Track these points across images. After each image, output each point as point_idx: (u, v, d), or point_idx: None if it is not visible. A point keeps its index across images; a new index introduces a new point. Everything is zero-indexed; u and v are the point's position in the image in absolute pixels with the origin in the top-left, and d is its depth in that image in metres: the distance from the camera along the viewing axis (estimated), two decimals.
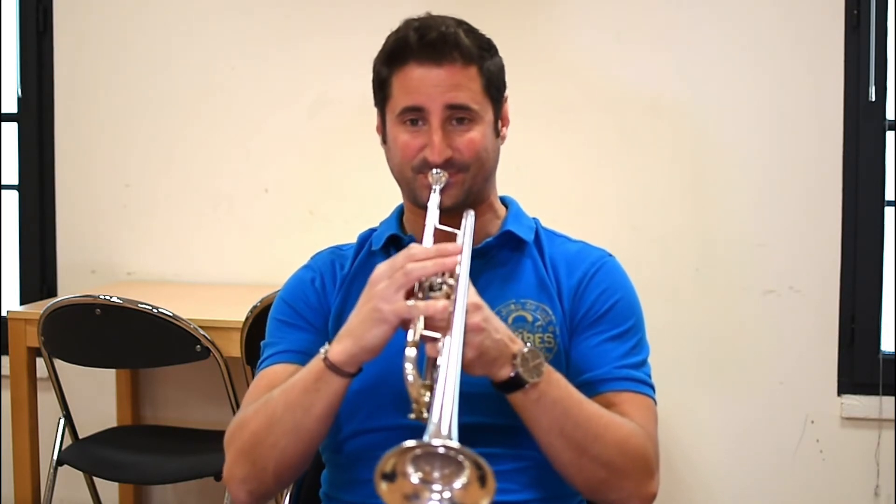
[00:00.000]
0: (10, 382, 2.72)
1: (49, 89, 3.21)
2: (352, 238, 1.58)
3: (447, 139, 1.41)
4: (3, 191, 3.27)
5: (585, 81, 2.90)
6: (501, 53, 1.48)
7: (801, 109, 2.80)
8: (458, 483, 1.00)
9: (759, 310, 2.85)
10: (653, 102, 2.87)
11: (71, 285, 3.15)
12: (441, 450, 0.99)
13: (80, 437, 2.73)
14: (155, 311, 2.47)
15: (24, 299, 3.25)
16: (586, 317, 1.45)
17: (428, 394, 1.14)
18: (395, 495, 1.01)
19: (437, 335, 1.17)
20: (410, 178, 1.45)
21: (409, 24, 1.44)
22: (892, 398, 2.76)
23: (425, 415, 1.12)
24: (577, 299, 1.46)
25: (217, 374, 2.55)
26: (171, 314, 2.47)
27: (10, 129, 3.27)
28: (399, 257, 1.25)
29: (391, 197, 1.56)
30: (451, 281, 1.23)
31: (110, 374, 3.13)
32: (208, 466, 2.50)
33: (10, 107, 3.26)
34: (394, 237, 1.52)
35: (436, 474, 1.01)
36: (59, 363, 2.64)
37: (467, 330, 1.18)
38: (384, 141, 1.50)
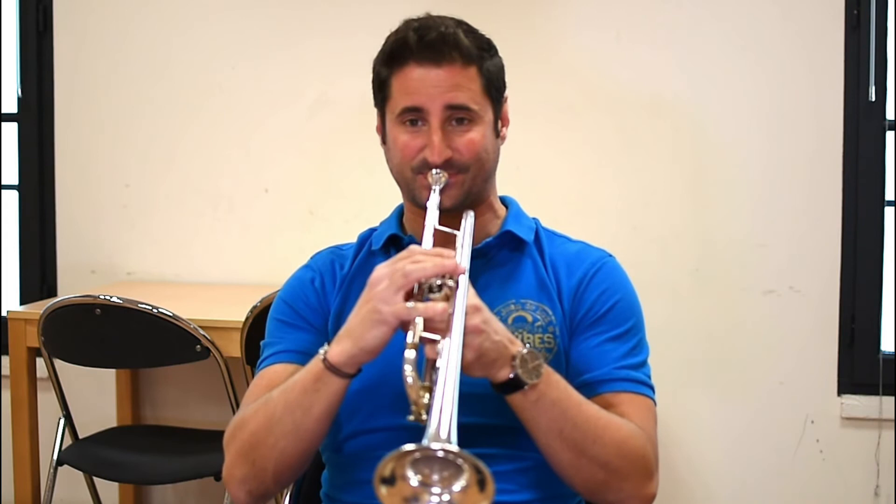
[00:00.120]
0: (10, 382, 2.72)
1: (49, 89, 3.21)
2: (352, 238, 1.58)
3: (447, 139, 1.41)
4: (3, 191, 3.28)
5: (585, 81, 2.90)
6: (501, 53, 1.48)
7: (801, 109, 2.80)
8: (457, 486, 1.00)
9: (758, 310, 2.85)
10: (653, 102, 2.87)
11: (71, 285, 3.15)
12: (440, 453, 0.99)
13: (80, 437, 2.73)
14: (155, 311, 2.46)
15: (24, 299, 3.25)
16: (586, 317, 1.45)
17: (427, 395, 1.13)
18: (395, 499, 1.01)
19: (436, 337, 1.17)
20: (410, 178, 1.44)
21: (408, 25, 1.43)
22: (892, 398, 2.76)
23: (424, 416, 1.12)
24: (577, 300, 1.46)
25: (217, 374, 2.55)
26: (171, 314, 2.47)
27: (10, 129, 3.27)
28: (399, 259, 1.25)
29: (391, 197, 1.55)
30: (450, 282, 1.23)
31: (110, 374, 3.13)
32: (208, 466, 2.50)
33: (10, 107, 3.26)
34: (394, 237, 1.52)
35: (435, 477, 1.01)
36: (59, 363, 2.64)
37: (467, 332, 1.18)
38: (384, 141, 1.50)
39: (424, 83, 1.40)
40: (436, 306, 1.19)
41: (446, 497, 1.01)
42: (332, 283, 1.51)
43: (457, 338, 1.15)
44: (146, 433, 2.98)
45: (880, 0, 2.75)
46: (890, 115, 2.78)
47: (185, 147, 3.15)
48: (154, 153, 3.16)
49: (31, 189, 3.26)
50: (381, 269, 1.25)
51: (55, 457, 2.61)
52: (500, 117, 1.49)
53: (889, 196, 2.82)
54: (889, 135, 2.79)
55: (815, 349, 2.83)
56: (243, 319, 2.43)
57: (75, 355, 2.61)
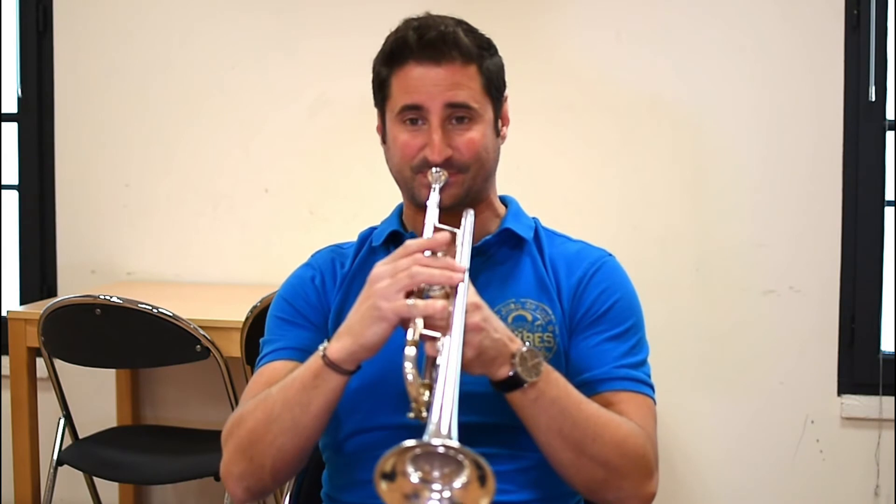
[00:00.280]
0: (10, 382, 2.72)
1: (49, 89, 3.22)
2: (352, 238, 1.58)
3: (447, 138, 1.41)
4: (3, 191, 3.28)
5: (585, 81, 2.90)
6: (501, 53, 1.48)
7: (801, 109, 2.80)
8: (457, 482, 1.00)
9: (758, 310, 2.85)
10: (653, 102, 2.87)
11: (71, 285, 3.15)
12: (441, 449, 0.99)
13: (80, 437, 2.73)
14: (155, 311, 2.46)
15: (24, 299, 3.25)
16: (586, 316, 1.45)
17: (427, 393, 1.14)
18: (395, 495, 1.01)
19: (436, 334, 1.17)
20: (410, 177, 1.44)
21: (408, 24, 1.44)
22: (892, 398, 2.76)
23: (424, 414, 1.12)
24: (576, 299, 1.46)
25: (217, 374, 2.55)
26: (171, 314, 2.47)
27: (10, 129, 3.27)
28: (402, 258, 1.24)
29: (391, 197, 1.55)
30: None
31: (110, 374, 3.13)
32: (208, 466, 2.49)
33: (10, 107, 3.26)
34: (395, 233, 1.52)
35: (435, 473, 1.01)
36: (59, 363, 2.64)
37: (467, 329, 1.18)
38: (384, 141, 1.50)
39: (424, 82, 1.41)
40: (436, 304, 1.19)
41: (447, 494, 1.01)
42: (332, 282, 1.51)
43: (457, 335, 1.15)
44: (146, 433, 2.98)
45: (880, 0, 2.75)
46: (890, 115, 2.78)
47: (185, 147, 3.15)
48: (154, 153, 3.17)
49: (31, 189, 3.26)
50: (381, 267, 1.25)
51: (55, 457, 2.60)
52: (500, 116, 1.49)
53: (889, 196, 2.82)
54: (889, 135, 2.79)
55: (815, 349, 2.83)
56: (243, 319, 2.43)
57: (75, 355, 2.61)
